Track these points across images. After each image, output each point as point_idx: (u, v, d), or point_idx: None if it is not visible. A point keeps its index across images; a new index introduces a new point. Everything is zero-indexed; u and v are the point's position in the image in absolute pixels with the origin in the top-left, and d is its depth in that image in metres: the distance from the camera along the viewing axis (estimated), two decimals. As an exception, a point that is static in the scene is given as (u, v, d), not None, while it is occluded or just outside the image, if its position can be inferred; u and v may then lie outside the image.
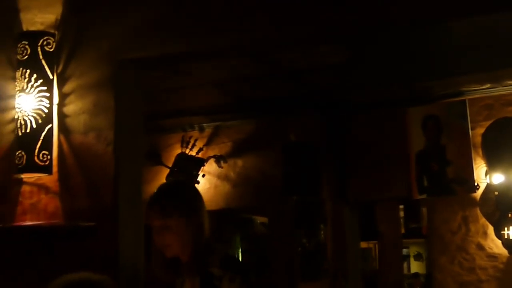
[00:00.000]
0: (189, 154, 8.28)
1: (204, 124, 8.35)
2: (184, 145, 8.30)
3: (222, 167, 8.26)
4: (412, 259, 15.89)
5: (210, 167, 8.27)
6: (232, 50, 4.62)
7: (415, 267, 15.50)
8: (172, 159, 8.31)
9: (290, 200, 7.87)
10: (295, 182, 7.55)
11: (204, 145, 8.33)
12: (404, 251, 13.71)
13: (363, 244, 11.79)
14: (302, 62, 6.61)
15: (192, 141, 8.30)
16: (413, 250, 15.82)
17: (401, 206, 10.34)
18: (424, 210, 9.51)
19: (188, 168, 8.20)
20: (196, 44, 4.39)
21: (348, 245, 8.13)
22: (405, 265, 13.91)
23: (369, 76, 7.11)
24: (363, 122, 7.99)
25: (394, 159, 7.79)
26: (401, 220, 10.59)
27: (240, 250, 10.93)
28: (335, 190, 8.01)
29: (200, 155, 8.28)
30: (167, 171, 8.28)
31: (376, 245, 13.07)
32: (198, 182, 8.17)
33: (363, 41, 5.91)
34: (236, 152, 8.28)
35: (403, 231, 10.88)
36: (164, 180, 8.22)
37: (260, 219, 10.77)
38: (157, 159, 8.19)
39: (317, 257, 7.92)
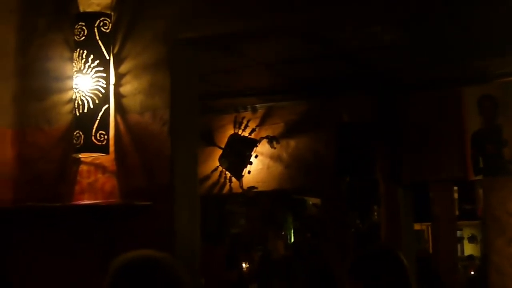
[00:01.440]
0: (242, 135, 8.31)
1: (257, 105, 8.35)
2: (237, 126, 8.33)
3: (274, 148, 8.26)
4: (466, 241, 15.70)
5: (263, 148, 8.28)
6: (285, 30, 4.60)
7: (469, 249, 15.30)
8: (225, 140, 8.36)
9: (343, 181, 7.84)
10: (349, 163, 7.51)
11: (256, 126, 8.33)
12: (458, 233, 13.53)
13: (416, 226, 11.67)
14: (355, 42, 6.54)
15: (244, 122, 8.32)
16: (467, 232, 15.62)
17: (455, 188, 10.21)
18: (479, 191, 9.38)
19: (241, 149, 8.23)
20: (249, 23, 4.38)
21: (402, 226, 8.06)
22: (458, 247, 13.73)
23: (423, 55, 7.01)
24: (417, 101, 7.89)
25: (449, 139, 7.68)
26: (456, 201, 10.46)
27: (292, 231, 10.94)
28: (389, 170, 7.94)
29: (252, 136, 8.29)
30: (219, 151, 8.33)
31: (429, 227, 12.94)
32: (251, 163, 8.20)
33: (417, 19, 5.81)
34: (288, 132, 8.26)
35: (457, 213, 10.74)
36: (217, 161, 8.30)
37: (312, 200, 10.75)
38: (210, 140, 8.24)
39: (371, 238, 7.89)
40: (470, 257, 13.80)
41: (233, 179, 8.31)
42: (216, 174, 8.41)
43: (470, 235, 15.63)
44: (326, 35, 6.30)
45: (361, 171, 7.59)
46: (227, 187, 8.40)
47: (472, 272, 12.48)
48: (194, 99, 4.65)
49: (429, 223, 11.75)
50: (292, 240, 10.75)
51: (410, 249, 8.35)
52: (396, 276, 2.63)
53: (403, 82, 7.78)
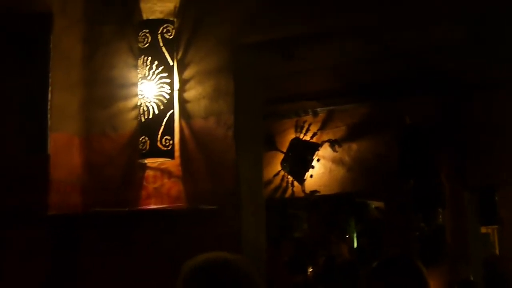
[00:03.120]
0: (303, 139, 8.30)
1: (318, 109, 8.34)
2: (298, 130, 8.33)
3: (336, 152, 8.22)
4: (534, 245, 15.30)
5: (325, 151, 8.26)
6: (347, 31, 4.58)
7: (537, 253, 14.91)
8: (287, 144, 8.36)
9: (406, 184, 7.74)
10: (412, 165, 7.41)
11: (318, 130, 8.32)
12: (526, 236, 13.19)
13: (481, 229, 11.43)
14: (417, 43, 6.46)
15: (306, 126, 8.31)
16: (534, 236, 15.22)
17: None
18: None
19: (303, 153, 8.21)
20: (310, 26, 4.38)
21: (469, 229, 7.92)
22: (526, 251, 13.38)
23: (487, 55, 6.88)
24: (481, 102, 7.76)
25: (515, 140, 7.53)
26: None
27: (355, 235, 10.85)
28: (454, 173, 7.82)
29: (314, 139, 8.28)
30: (281, 156, 8.33)
31: (495, 231, 12.65)
32: (312, 167, 8.18)
33: (480, 18, 5.71)
34: (350, 136, 8.21)
35: (525, 215, 10.47)
36: (279, 166, 8.30)
37: (375, 204, 10.64)
38: (272, 144, 8.25)
39: (436, 242, 7.76)
40: (539, 260, 13.44)
41: (295, 183, 8.30)
42: (278, 178, 8.42)
43: (538, 238, 15.23)
44: (388, 36, 6.24)
45: (425, 173, 7.48)
46: (289, 191, 8.39)
47: (541, 276, 12.16)
48: (258, 103, 4.66)
49: (495, 227, 11.49)
50: (356, 244, 10.66)
51: (477, 252, 8.20)
52: (415, 279, 2.88)
53: (467, 83, 7.65)
